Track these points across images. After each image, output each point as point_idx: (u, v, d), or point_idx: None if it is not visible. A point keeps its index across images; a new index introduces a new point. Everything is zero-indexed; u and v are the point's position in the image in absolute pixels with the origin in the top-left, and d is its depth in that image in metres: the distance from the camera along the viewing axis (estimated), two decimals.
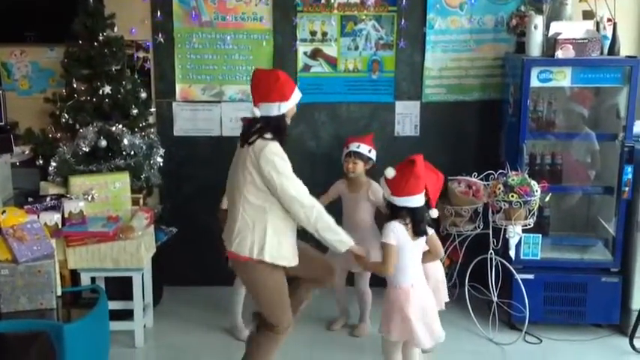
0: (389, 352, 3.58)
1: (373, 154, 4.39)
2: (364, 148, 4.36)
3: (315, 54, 4.93)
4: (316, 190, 4.62)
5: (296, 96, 3.49)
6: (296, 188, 3.36)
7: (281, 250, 3.42)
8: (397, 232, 3.42)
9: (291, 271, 3.52)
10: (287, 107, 3.44)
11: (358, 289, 4.46)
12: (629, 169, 4.24)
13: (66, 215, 4.09)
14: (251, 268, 3.43)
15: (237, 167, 3.47)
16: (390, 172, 3.45)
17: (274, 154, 3.35)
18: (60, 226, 4.03)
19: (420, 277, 3.53)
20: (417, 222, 3.44)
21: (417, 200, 3.43)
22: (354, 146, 4.37)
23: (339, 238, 3.43)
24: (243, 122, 3.66)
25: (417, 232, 3.46)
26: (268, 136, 3.40)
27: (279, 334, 3.54)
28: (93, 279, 4.27)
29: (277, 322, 3.51)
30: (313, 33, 4.90)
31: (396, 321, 3.45)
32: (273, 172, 3.32)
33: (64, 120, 4.40)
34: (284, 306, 3.52)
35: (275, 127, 3.43)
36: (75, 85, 4.43)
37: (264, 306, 3.53)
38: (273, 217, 3.39)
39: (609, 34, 4.32)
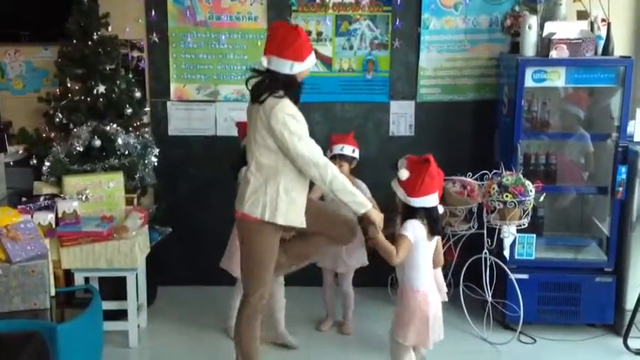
0: (401, 356, 3.55)
1: (357, 153, 4.37)
2: (348, 149, 4.33)
3: None
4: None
5: (311, 60, 3.34)
6: (310, 149, 3.25)
7: (294, 211, 3.34)
8: (416, 229, 3.42)
9: (309, 228, 3.43)
10: (300, 69, 3.30)
11: (342, 289, 4.46)
12: (622, 169, 4.25)
13: (60, 215, 4.07)
14: (257, 229, 3.35)
15: (250, 127, 3.36)
16: (404, 174, 3.44)
17: (286, 113, 3.22)
18: (54, 226, 4.01)
19: (432, 279, 3.55)
20: (433, 221, 3.46)
21: (432, 200, 3.45)
22: (337, 149, 4.33)
23: (356, 199, 3.33)
24: (252, 72, 3.46)
25: (434, 231, 3.47)
26: (279, 93, 3.26)
27: (249, 309, 3.48)
28: (87, 279, 4.26)
29: (250, 291, 3.46)
30: (308, 32, 4.89)
31: (414, 325, 3.44)
32: (285, 131, 3.19)
33: (58, 119, 4.39)
34: (264, 276, 3.44)
35: (285, 84, 3.28)
36: (69, 85, 4.43)
37: (248, 268, 3.47)
38: (285, 178, 3.30)
39: (603, 34, 4.33)
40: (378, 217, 3.37)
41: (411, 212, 3.46)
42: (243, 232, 3.49)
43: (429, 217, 3.45)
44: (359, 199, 3.33)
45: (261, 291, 3.48)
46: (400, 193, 3.48)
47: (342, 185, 3.29)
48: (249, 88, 3.42)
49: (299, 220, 3.38)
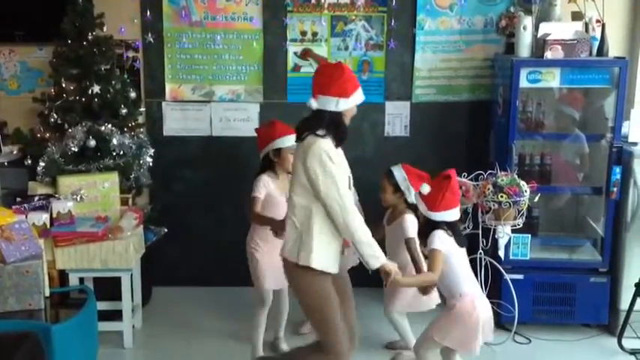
0: (425, 357, 3.57)
1: None
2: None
3: (305, 54, 4.90)
4: None
5: (358, 96, 3.22)
6: (341, 194, 3.09)
7: (329, 256, 3.20)
8: (443, 238, 3.43)
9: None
10: (346, 105, 3.18)
11: None
12: (617, 169, 4.26)
13: (54, 215, 4.07)
14: (296, 274, 3.21)
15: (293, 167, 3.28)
16: (426, 188, 3.51)
17: (323, 151, 3.08)
18: (48, 226, 4.00)
19: (476, 284, 3.56)
20: (455, 234, 3.49)
21: (453, 214, 3.49)
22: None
23: (374, 253, 3.15)
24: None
25: (457, 243, 3.50)
26: (321, 132, 3.13)
27: None
28: (81, 279, 4.25)
29: (329, 345, 3.21)
30: (303, 33, 4.90)
31: (458, 330, 3.43)
32: (319, 170, 3.08)
33: (52, 120, 4.38)
34: (334, 324, 3.21)
35: (330, 123, 3.15)
36: (64, 85, 4.42)
37: (312, 318, 3.31)
38: (320, 220, 3.15)
39: (598, 35, 4.34)
40: (393, 268, 3.20)
41: (432, 226, 3.48)
42: (290, 282, 3.36)
43: (450, 230, 3.48)
44: (377, 253, 3.17)
45: (339, 341, 3.23)
46: (421, 207, 3.53)
47: (366, 238, 3.15)
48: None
49: (334, 267, 3.24)
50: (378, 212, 4.12)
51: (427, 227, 3.50)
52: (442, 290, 3.58)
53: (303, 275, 3.19)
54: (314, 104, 3.18)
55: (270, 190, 3.94)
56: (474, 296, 3.44)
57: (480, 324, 3.40)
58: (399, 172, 3.99)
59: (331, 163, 3.09)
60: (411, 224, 3.88)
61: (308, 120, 3.23)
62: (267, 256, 3.92)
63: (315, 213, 3.14)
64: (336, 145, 3.17)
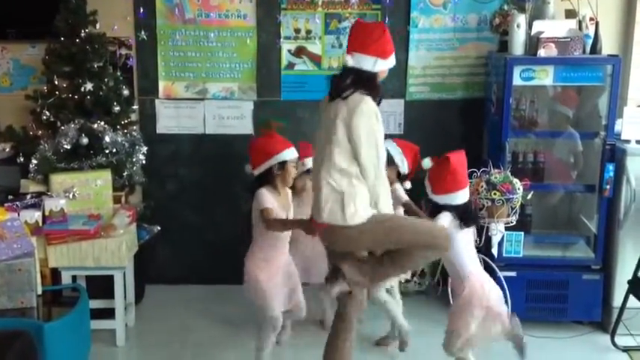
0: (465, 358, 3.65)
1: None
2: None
3: (299, 52, 4.91)
4: None
5: (393, 59, 3.19)
6: (379, 156, 3.09)
7: (367, 206, 3.15)
8: (447, 220, 3.48)
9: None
10: (383, 66, 3.15)
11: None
12: (610, 167, 4.27)
13: (47, 213, 4.05)
14: (343, 234, 3.17)
15: (323, 128, 3.19)
16: (427, 163, 3.56)
17: (373, 112, 3.05)
18: (40, 224, 3.98)
19: (481, 268, 3.63)
20: (462, 215, 3.54)
21: (458, 197, 3.52)
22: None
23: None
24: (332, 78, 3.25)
25: (466, 224, 3.56)
26: (364, 91, 3.08)
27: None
28: (74, 277, 4.23)
29: (427, 239, 3.26)
30: (297, 30, 4.89)
31: (472, 313, 3.51)
32: (365, 131, 3.04)
33: (45, 117, 4.36)
34: (409, 224, 3.31)
35: (368, 81, 3.11)
36: (56, 82, 4.40)
37: (389, 244, 3.26)
38: (358, 180, 3.11)
39: (591, 32, 4.34)
40: None
41: (436, 208, 3.52)
42: (334, 241, 3.31)
43: (456, 212, 3.51)
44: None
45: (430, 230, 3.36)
46: (428, 189, 3.58)
47: (385, 206, 3.19)
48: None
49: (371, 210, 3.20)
50: None
51: (433, 210, 3.56)
52: (451, 275, 3.66)
53: (350, 231, 3.14)
54: (350, 61, 3.11)
55: (273, 206, 3.74)
56: (480, 277, 3.54)
57: (486, 307, 3.51)
58: (392, 147, 4.04)
59: (379, 124, 3.07)
60: (402, 191, 3.96)
61: (343, 77, 3.14)
62: (272, 276, 3.79)
63: (356, 175, 3.11)
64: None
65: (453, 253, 3.48)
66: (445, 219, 3.50)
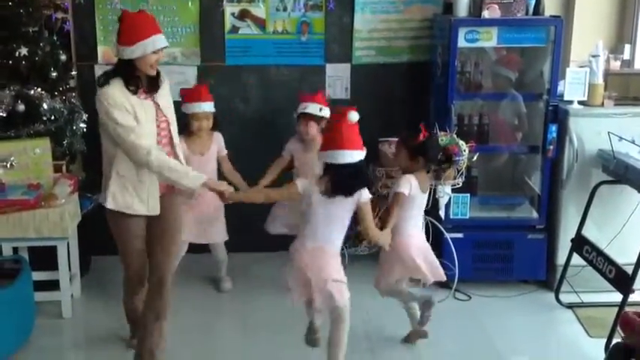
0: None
1: (325, 112, 4.33)
2: (313, 108, 4.30)
3: (242, 15, 4.82)
4: (248, 151, 4.61)
5: (145, 44, 3.24)
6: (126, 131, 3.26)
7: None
8: (306, 184, 3.32)
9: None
10: (133, 54, 3.24)
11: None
12: (553, 128, 4.34)
13: None
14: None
15: None
16: (354, 116, 3.26)
17: (106, 100, 3.24)
18: None
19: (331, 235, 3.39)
20: (334, 180, 3.25)
21: (334, 156, 3.23)
22: (301, 108, 4.32)
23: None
24: None
25: (333, 190, 3.25)
26: (121, 79, 3.28)
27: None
28: (15, 249, 4.11)
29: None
30: None
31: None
32: (104, 116, 3.25)
33: None
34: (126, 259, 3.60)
35: (123, 71, 3.30)
36: None
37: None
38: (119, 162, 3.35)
39: None
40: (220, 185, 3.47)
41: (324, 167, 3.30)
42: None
43: (330, 174, 3.25)
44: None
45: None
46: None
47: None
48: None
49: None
50: None
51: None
52: None
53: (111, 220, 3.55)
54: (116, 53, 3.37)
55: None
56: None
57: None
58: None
59: (112, 107, 3.23)
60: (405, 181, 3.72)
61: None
62: None
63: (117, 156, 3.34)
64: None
65: (307, 224, 3.33)
66: (303, 181, 3.34)
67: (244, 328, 4.11)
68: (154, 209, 3.43)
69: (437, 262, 3.81)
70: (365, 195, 3.31)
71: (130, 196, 3.38)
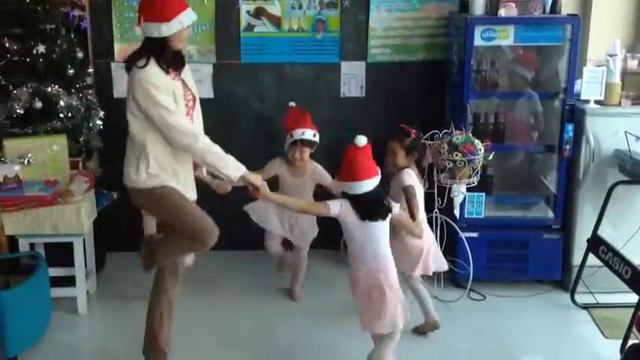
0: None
1: (317, 137, 4.28)
2: (309, 134, 4.24)
3: (258, 13, 4.82)
4: (263, 150, 4.61)
5: (180, 19, 3.14)
6: (173, 115, 3.17)
7: None
8: (343, 208, 3.27)
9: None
10: (169, 30, 3.13)
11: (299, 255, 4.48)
12: (569, 127, 4.31)
13: (1, 179, 3.94)
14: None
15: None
16: (362, 140, 3.22)
17: (149, 83, 3.12)
18: None
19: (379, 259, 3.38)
20: (361, 208, 3.28)
21: (353, 187, 3.25)
22: (298, 134, 4.21)
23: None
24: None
25: (363, 217, 3.28)
26: (154, 58, 3.15)
27: None
28: (32, 245, 4.15)
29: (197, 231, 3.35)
30: None
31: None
32: (149, 101, 3.12)
33: None
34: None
35: (157, 49, 3.17)
36: (7, 45, 4.24)
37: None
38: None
39: None
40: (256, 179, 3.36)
41: (343, 195, 3.32)
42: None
43: (356, 203, 3.26)
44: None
45: None
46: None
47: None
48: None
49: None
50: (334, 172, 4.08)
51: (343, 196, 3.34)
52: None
53: (151, 196, 3.34)
54: (139, 31, 3.21)
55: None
56: (361, 275, 3.32)
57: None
58: None
59: (155, 89, 3.12)
60: (407, 176, 3.81)
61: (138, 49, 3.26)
62: None
63: (151, 140, 3.24)
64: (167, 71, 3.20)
65: (353, 244, 3.33)
66: (335, 204, 3.29)
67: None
68: (192, 194, 3.40)
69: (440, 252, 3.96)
70: (395, 210, 3.37)
71: (168, 177, 3.27)
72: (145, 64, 3.14)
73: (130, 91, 3.20)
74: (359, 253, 3.31)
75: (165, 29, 3.12)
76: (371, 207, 3.27)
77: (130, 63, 3.21)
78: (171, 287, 3.53)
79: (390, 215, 3.33)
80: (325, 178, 4.29)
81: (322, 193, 4.20)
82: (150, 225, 3.87)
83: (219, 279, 4.69)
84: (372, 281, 3.27)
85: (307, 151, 4.28)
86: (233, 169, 3.24)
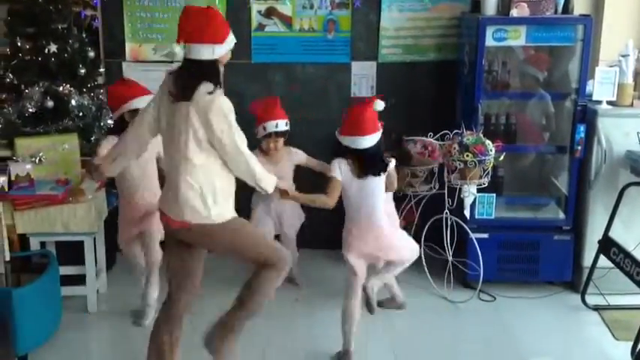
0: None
1: (288, 125, 4.33)
2: (282, 124, 4.27)
3: (269, 13, 4.83)
4: None
5: (230, 41, 3.12)
6: (243, 141, 3.08)
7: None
8: (342, 168, 3.54)
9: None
10: (221, 51, 3.07)
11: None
12: (581, 128, 4.29)
13: (12, 178, 3.96)
14: (215, 232, 3.14)
15: (174, 127, 3.05)
16: (379, 105, 3.52)
17: (228, 109, 3.00)
18: (6, 190, 3.90)
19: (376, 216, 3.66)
20: (363, 162, 3.54)
21: (356, 142, 3.50)
22: (272, 126, 4.24)
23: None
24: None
25: (365, 172, 3.55)
26: (208, 87, 3.00)
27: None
28: (43, 244, 4.17)
29: (273, 257, 3.21)
30: None
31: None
32: (226, 126, 2.98)
33: (8, 80, 4.23)
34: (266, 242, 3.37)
35: (208, 72, 3.04)
36: (19, 44, 4.26)
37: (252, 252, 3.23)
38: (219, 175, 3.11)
39: None
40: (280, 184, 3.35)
41: (339, 150, 3.54)
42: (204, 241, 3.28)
43: (356, 158, 3.50)
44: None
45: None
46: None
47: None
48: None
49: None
50: None
51: (336, 149, 3.58)
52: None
53: (224, 230, 3.12)
54: (186, 52, 3.05)
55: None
56: (362, 233, 3.57)
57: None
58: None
59: (233, 115, 3.04)
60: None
61: (183, 74, 3.07)
62: None
63: (216, 170, 3.08)
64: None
65: (346, 203, 3.57)
66: (335, 169, 3.52)
67: None
68: None
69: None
70: (391, 166, 3.63)
71: (230, 206, 3.16)
72: (214, 90, 3.01)
73: (197, 121, 2.99)
74: (354, 215, 3.56)
75: (219, 50, 3.05)
76: (371, 161, 3.50)
77: (190, 90, 3.00)
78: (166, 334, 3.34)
79: (387, 171, 3.58)
80: (300, 157, 4.39)
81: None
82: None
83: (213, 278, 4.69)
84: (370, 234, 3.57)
85: (281, 141, 4.32)
86: (272, 184, 3.24)
